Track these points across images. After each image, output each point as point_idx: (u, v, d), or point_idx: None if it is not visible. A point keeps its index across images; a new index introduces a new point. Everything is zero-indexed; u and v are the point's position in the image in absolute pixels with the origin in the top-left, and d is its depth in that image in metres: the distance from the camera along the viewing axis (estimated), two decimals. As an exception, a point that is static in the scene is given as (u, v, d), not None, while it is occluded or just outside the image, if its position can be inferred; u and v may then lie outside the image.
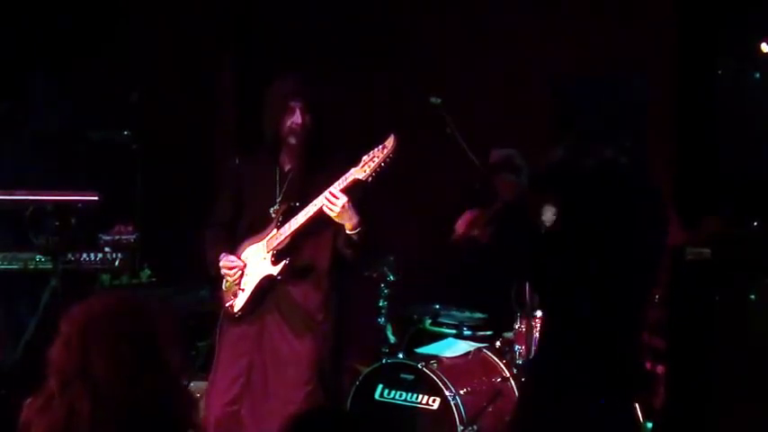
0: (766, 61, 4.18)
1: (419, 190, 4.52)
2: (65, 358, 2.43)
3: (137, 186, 5.12)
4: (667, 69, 4.65)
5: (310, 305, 4.19)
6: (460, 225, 3.44)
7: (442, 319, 5.34)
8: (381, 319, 5.07)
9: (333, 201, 3.97)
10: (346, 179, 3.98)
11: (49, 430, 2.39)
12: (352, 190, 4.00)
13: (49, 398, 2.44)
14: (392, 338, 5.09)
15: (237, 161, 4.41)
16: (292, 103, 4.12)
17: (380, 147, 3.92)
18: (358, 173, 3.94)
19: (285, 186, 4.22)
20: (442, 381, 4.69)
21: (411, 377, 4.78)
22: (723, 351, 3.93)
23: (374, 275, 5.07)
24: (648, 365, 4.64)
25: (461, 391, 4.70)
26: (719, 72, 3.93)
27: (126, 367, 2.41)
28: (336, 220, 4.02)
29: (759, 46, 4.16)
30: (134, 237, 4.70)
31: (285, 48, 6.15)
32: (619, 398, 3.19)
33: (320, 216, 4.06)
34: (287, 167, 4.24)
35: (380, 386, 4.83)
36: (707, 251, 4.00)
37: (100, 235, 4.71)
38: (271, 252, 4.16)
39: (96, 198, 4.59)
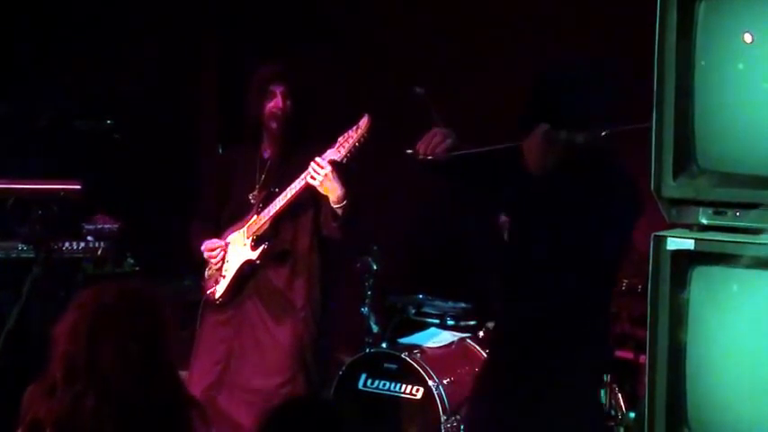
0: (750, 52, 4.20)
1: (403, 179, 4.53)
2: (71, 345, 2.38)
3: (119, 175, 5.09)
4: (644, 59, 4.68)
5: (290, 291, 4.21)
6: (421, 145, 3.44)
7: (425, 309, 5.35)
8: (365, 309, 5.06)
9: (317, 169, 4.00)
10: (324, 159, 4.01)
11: (51, 419, 2.35)
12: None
13: (53, 385, 2.40)
14: (375, 328, 5.08)
15: (221, 151, 4.42)
16: (273, 88, 4.15)
17: (354, 127, 3.98)
18: (333, 153, 3.99)
19: (265, 172, 4.25)
20: (425, 370, 4.71)
21: (394, 367, 4.80)
22: (703, 344, 3.96)
23: (358, 265, 5.08)
24: (632, 355, 4.70)
25: (445, 381, 4.72)
26: (702, 63, 3.92)
27: (135, 365, 2.38)
28: (320, 190, 4.03)
29: (743, 36, 4.18)
30: (117, 226, 4.76)
31: (270, 35, 6.14)
32: (584, 380, 3.30)
33: (300, 200, 4.10)
34: (267, 153, 4.26)
35: (364, 376, 4.85)
36: (689, 241, 4.03)
37: (83, 224, 4.76)
38: (251, 237, 4.19)
39: (79, 187, 4.60)
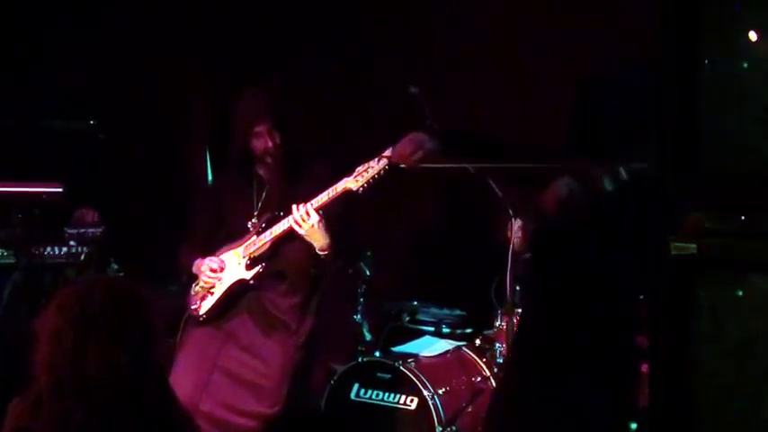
0: (755, 51, 4.19)
1: (397, 183, 4.51)
2: (57, 357, 2.30)
3: (103, 178, 5.07)
4: (650, 57, 4.66)
5: (283, 312, 4.22)
6: (394, 154, 3.43)
7: (420, 317, 5.33)
8: (357, 316, 5.06)
9: (304, 218, 4.00)
10: (336, 189, 3.99)
11: None
12: (333, 204, 4.01)
13: (39, 398, 2.33)
14: (368, 336, 5.08)
15: (211, 179, 4.40)
16: (258, 129, 4.12)
17: (377, 158, 3.91)
18: (350, 183, 3.95)
19: (263, 198, 4.25)
20: (419, 380, 4.70)
21: (388, 376, 4.79)
22: (707, 350, 3.97)
23: (350, 271, 5.06)
24: None
25: (440, 391, 4.71)
26: (706, 62, 3.93)
27: (124, 377, 2.30)
28: (306, 238, 4.05)
29: (747, 35, 4.18)
30: (100, 230, 4.71)
31: (261, 37, 6.12)
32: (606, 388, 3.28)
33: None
34: (265, 180, 4.26)
35: (356, 385, 4.84)
36: (692, 246, 4.04)
37: (65, 228, 4.71)
38: (247, 257, 4.19)
39: (60, 189, 4.59)
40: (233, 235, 4.28)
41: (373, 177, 3.91)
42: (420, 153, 3.37)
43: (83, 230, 4.69)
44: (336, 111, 5.77)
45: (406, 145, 3.42)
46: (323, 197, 4.03)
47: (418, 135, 3.43)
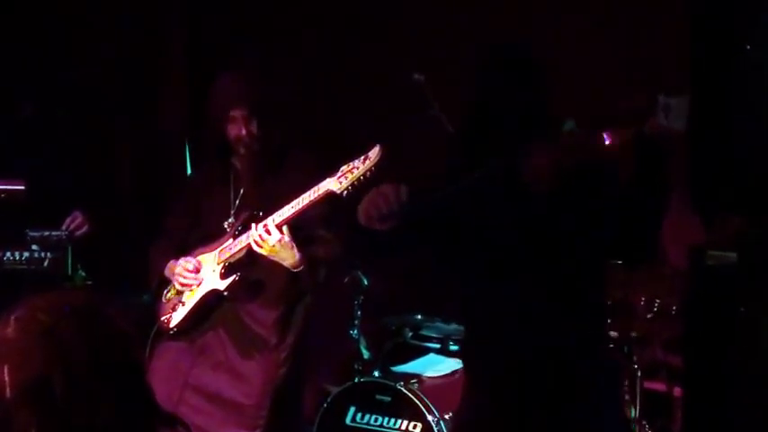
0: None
1: (399, 179, 4.43)
2: (24, 384, 2.19)
3: (69, 174, 4.98)
4: (680, 43, 4.61)
5: (262, 327, 4.12)
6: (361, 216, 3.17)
7: (424, 332, 5.26)
8: (354, 331, 5.02)
9: (263, 236, 3.88)
10: (318, 191, 3.83)
11: None
12: (314, 208, 3.88)
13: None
14: (366, 354, 5.04)
15: (190, 171, 4.33)
16: (233, 113, 4.03)
17: (362, 158, 3.75)
18: (333, 184, 3.78)
19: (240, 196, 4.16)
20: (423, 403, 4.67)
21: (388, 399, 4.78)
22: (748, 370, 3.86)
23: (346, 280, 5.00)
24: (664, 387, 4.69)
25: (446, 416, 4.63)
26: (747, 47, 3.79)
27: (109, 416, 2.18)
28: (270, 257, 3.94)
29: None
30: (66, 233, 4.65)
31: (244, 19, 6.12)
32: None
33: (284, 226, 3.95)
34: (241, 174, 4.17)
35: (352, 409, 4.82)
36: (732, 255, 3.91)
37: (27, 231, 4.64)
38: (222, 264, 4.08)
39: (22, 187, 4.54)
40: (208, 236, 4.18)
41: (359, 179, 3.73)
42: (376, 213, 3.12)
43: (46, 233, 4.67)
44: (326, 100, 5.74)
45: (366, 205, 3.17)
46: (298, 204, 3.87)
47: (380, 191, 3.18)
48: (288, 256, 3.94)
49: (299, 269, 4.00)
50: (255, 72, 4.43)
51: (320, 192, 3.82)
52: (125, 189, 5.74)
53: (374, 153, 3.72)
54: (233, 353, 4.10)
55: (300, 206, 3.86)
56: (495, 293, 3.20)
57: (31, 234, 4.61)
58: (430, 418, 4.62)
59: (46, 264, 4.59)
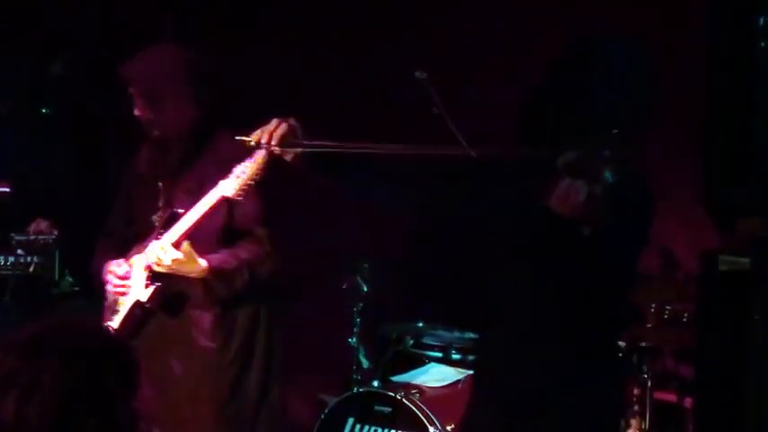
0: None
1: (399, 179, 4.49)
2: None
3: (56, 174, 5.03)
4: (695, 28, 4.62)
5: (202, 332, 4.04)
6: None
7: (425, 340, 5.29)
8: (353, 340, 5.05)
9: (161, 258, 3.84)
10: (212, 200, 3.82)
11: None
12: (210, 217, 3.86)
13: None
14: (365, 363, 5.08)
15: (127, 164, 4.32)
16: (131, 91, 4.02)
17: (251, 159, 3.71)
18: (226, 189, 3.78)
19: (164, 188, 4.11)
20: (425, 415, 4.68)
21: (388, 410, 4.79)
22: (762, 380, 3.88)
23: (344, 286, 5.04)
24: (675, 397, 4.74)
25: (448, 428, 4.66)
26: (763, 45, 3.82)
27: None
28: (176, 274, 3.89)
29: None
30: (54, 236, 4.60)
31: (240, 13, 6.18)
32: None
33: (207, 224, 3.90)
34: (161, 165, 4.12)
35: (351, 420, 4.84)
36: (745, 260, 3.94)
37: (12, 234, 4.58)
38: (147, 269, 3.99)
39: (7, 189, 4.58)
40: (141, 233, 4.11)
41: (247, 184, 3.73)
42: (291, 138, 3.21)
43: (33, 237, 4.61)
44: (326, 98, 5.75)
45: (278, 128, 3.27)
46: (193, 215, 3.84)
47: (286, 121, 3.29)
48: (190, 269, 3.87)
49: (205, 275, 3.90)
50: (149, 51, 4.17)
51: (214, 199, 3.81)
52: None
53: (259, 154, 3.64)
54: (174, 362, 4.03)
55: (196, 218, 3.83)
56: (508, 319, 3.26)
57: (17, 238, 4.52)
58: (432, 429, 4.63)
59: (32, 269, 4.49)
